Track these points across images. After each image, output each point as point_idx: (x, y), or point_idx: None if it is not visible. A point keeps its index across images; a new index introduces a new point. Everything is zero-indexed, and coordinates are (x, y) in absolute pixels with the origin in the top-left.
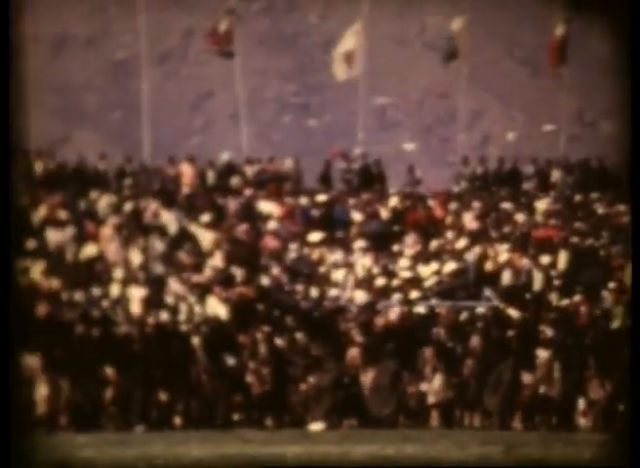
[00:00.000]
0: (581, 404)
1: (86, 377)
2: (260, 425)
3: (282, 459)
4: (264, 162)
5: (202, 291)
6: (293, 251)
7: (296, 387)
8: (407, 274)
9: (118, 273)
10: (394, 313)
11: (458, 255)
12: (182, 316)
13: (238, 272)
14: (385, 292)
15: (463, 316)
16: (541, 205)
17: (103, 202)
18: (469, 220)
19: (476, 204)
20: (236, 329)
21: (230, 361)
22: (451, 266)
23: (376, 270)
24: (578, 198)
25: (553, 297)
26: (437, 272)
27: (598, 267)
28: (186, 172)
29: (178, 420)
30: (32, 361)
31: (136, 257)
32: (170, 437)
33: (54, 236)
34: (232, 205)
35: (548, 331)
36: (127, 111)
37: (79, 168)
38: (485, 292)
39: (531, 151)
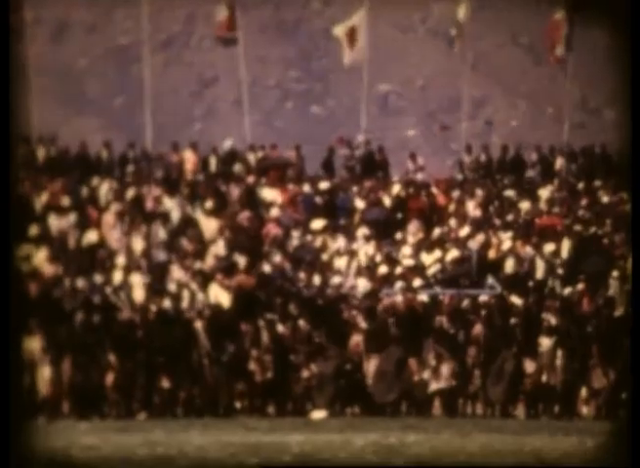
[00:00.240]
0: (584, 392)
1: (88, 364)
2: (263, 413)
3: (284, 447)
4: (267, 149)
5: (204, 278)
6: (295, 238)
7: (298, 375)
8: (410, 262)
9: (120, 260)
10: (398, 300)
11: (461, 243)
12: (185, 303)
13: (241, 259)
14: (388, 280)
15: (466, 304)
16: (545, 192)
17: (105, 188)
18: (472, 208)
19: (479, 191)
20: (238, 316)
21: (232, 348)
22: (454, 254)
23: (378, 258)
24: (581, 186)
25: (556, 285)
26: (440, 260)
27: (601, 255)
28: (189, 158)
29: (180, 408)
30: (35, 348)
31: (138, 244)
32: (172, 424)
33: (56, 222)
34: (235, 192)
35: (551, 320)
36: (129, 97)
37: (81, 154)
38: (488, 280)
39: (534, 139)
